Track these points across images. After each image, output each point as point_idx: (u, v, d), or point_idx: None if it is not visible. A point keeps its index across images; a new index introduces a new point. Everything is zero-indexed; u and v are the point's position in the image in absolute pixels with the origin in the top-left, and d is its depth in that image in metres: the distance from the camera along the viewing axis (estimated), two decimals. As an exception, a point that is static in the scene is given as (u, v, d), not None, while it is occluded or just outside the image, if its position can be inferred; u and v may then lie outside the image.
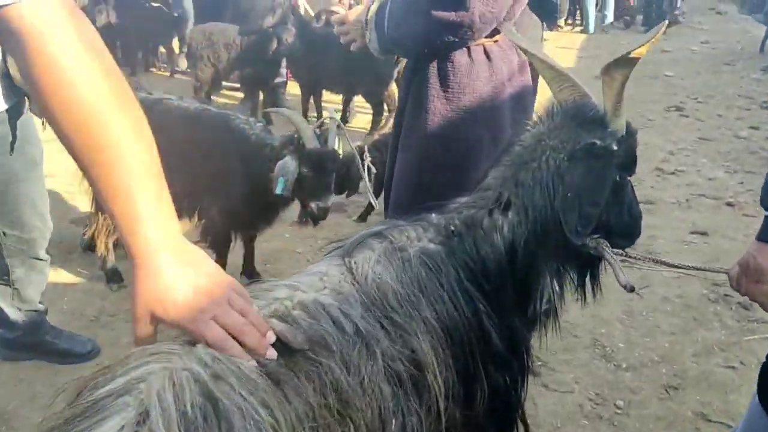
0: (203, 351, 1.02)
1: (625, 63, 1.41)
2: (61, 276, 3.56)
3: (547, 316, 1.61)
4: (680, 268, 1.70)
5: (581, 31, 12.04)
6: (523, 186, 1.50)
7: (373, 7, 2.11)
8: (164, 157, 3.06)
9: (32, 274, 2.67)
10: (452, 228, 1.49)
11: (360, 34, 2.19)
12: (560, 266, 1.58)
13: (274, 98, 6.88)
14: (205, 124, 3.14)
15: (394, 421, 1.23)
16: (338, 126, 3.02)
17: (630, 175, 1.63)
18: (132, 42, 7.90)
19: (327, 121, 3.03)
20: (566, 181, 1.48)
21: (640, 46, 1.38)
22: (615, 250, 1.60)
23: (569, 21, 12.51)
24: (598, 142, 1.50)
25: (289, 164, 2.86)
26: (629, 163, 1.61)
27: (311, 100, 6.38)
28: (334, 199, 3.09)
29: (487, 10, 1.90)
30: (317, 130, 2.94)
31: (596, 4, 11.98)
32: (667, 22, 1.51)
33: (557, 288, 1.60)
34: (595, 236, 1.58)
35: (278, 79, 6.70)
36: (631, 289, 1.53)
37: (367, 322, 1.24)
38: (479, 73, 2.12)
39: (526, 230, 1.50)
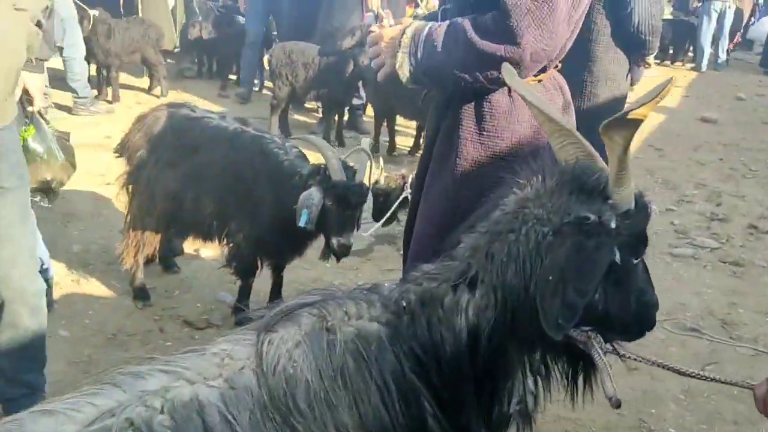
0: None
1: (626, 124, 1.14)
2: (92, 287, 3.57)
3: (521, 417, 1.34)
4: (693, 376, 1.38)
5: (692, 68, 11.29)
6: (495, 261, 1.25)
7: (410, 30, 1.89)
8: (199, 176, 3.01)
9: None
10: (404, 304, 1.25)
11: (391, 56, 1.99)
12: (539, 360, 1.31)
13: (353, 120, 6.81)
14: (240, 145, 3.04)
15: None
16: (370, 157, 2.84)
17: (636, 258, 1.33)
18: (223, 56, 8.10)
19: (361, 152, 2.86)
20: (548, 260, 1.21)
21: (640, 106, 1.11)
22: (609, 347, 1.32)
23: (681, 58, 11.78)
24: (592, 217, 1.22)
25: (313, 196, 2.70)
26: (636, 244, 1.31)
27: (384, 125, 6.24)
28: (374, 230, 2.90)
29: (540, 47, 1.67)
30: (348, 161, 2.78)
31: (711, 42, 11.22)
32: (672, 78, 1.21)
33: (531, 386, 1.32)
34: (586, 329, 1.30)
35: (357, 102, 6.63)
36: (617, 405, 1.24)
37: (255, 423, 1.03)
38: (520, 116, 1.89)
39: (494, 315, 1.24)
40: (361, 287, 1.32)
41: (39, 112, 3.13)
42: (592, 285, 1.21)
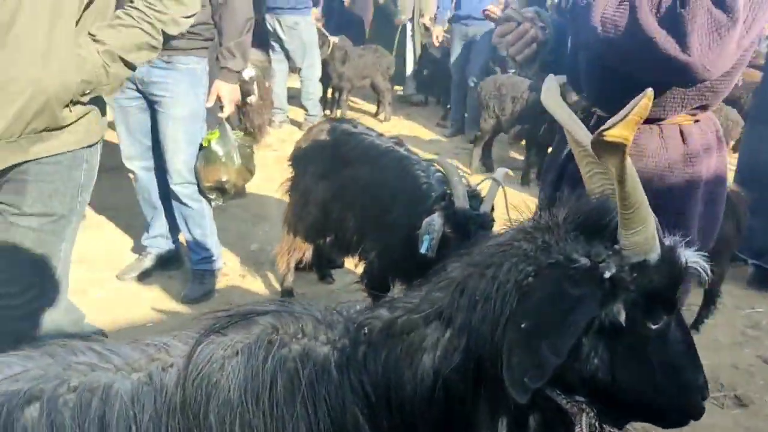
0: None
1: (608, 149, 0.88)
2: (253, 284, 3.82)
3: None
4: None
5: None
6: (466, 297, 1.05)
7: None
8: (345, 189, 3.08)
9: None
10: (365, 331, 1.11)
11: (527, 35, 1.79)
12: (515, 423, 1.07)
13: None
14: (385, 163, 3.04)
15: None
16: (502, 186, 2.64)
17: (655, 323, 1.03)
18: (447, 87, 8.25)
19: (491, 180, 2.67)
20: (523, 305, 0.99)
21: (613, 126, 0.84)
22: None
23: None
24: (582, 261, 0.98)
25: (434, 222, 2.58)
26: (651, 306, 1.02)
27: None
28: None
29: (706, 61, 1.46)
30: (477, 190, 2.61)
31: None
32: (650, 91, 0.90)
33: None
34: (580, 399, 1.04)
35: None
36: None
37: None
38: (671, 163, 1.73)
39: (460, 361, 1.04)
40: (334, 306, 1.19)
41: (245, 119, 3.45)
42: (566, 342, 0.96)
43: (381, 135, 3.30)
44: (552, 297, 0.98)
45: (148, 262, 3.83)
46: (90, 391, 0.97)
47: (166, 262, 3.90)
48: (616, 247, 1.01)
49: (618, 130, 0.87)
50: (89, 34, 1.97)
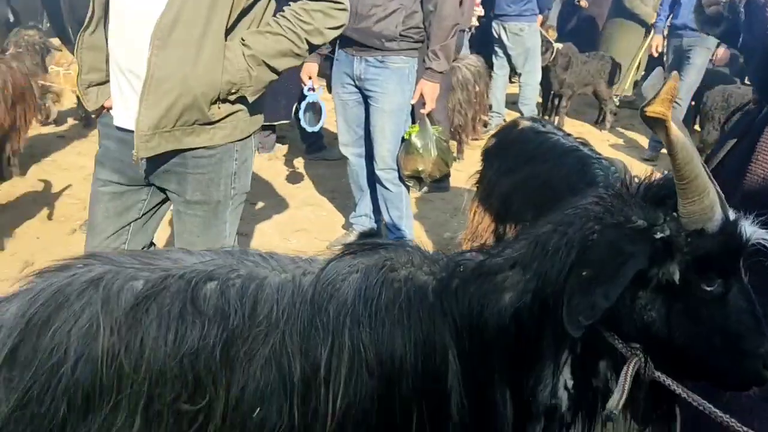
0: None
1: (651, 123, 1.02)
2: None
3: (550, 412, 1.29)
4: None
5: None
6: (542, 248, 1.26)
7: None
8: (525, 184, 3.30)
9: None
10: (460, 269, 1.36)
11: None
12: (578, 358, 1.26)
13: None
14: (565, 161, 3.16)
15: (258, 410, 1.25)
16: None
17: (710, 285, 1.15)
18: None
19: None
20: (586, 256, 1.17)
21: (649, 103, 0.98)
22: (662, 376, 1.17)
23: None
24: (639, 222, 1.14)
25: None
26: (707, 270, 1.13)
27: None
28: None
29: None
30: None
31: None
32: (675, 73, 0.97)
33: (568, 384, 1.26)
34: (636, 345, 1.20)
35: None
36: (607, 419, 1.11)
37: (288, 310, 1.30)
38: None
39: (534, 302, 1.26)
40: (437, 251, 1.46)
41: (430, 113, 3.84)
42: (616, 290, 1.14)
43: (568, 135, 3.42)
44: (609, 251, 1.16)
45: (352, 237, 4.37)
46: (250, 279, 1.35)
47: (367, 239, 4.41)
48: (675, 214, 1.15)
49: (654, 107, 1.03)
50: (241, 38, 2.17)
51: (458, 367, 1.29)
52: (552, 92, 8.17)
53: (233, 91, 2.15)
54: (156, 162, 2.20)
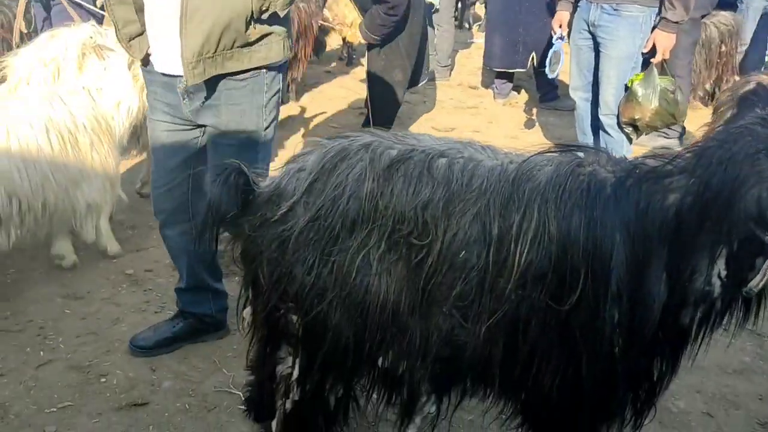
0: None
1: None
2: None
3: (703, 297, 1.56)
4: None
5: None
6: (708, 159, 1.52)
7: None
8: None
9: None
10: (636, 171, 1.67)
11: None
12: (731, 252, 1.51)
13: None
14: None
15: (463, 254, 1.67)
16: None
17: None
18: None
19: None
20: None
21: None
22: None
23: None
24: None
25: None
26: None
27: None
28: None
29: None
30: None
31: None
32: None
33: (722, 273, 1.53)
34: None
35: None
36: (746, 294, 1.37)
37: (494, 185, 1.71)
38: None
39: (695, 203, 1.53)
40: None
41: (663, 64, 3.91)
42: None
43: None
44: None
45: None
46: (470, 160, 1.77)
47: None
48: None
49: None
50: None
51: (624, 248, 1.59)
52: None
53: (264, 8, 2.28)
54: (195, 99, 2.42)
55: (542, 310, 1.65)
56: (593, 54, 4.12)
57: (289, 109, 6.20)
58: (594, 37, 4.04)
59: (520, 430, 1.96)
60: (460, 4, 9.18)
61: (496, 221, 1.68)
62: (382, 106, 5.18)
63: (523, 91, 7.34)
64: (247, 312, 2.06)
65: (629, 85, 3.95)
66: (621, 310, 1.61)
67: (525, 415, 1.91)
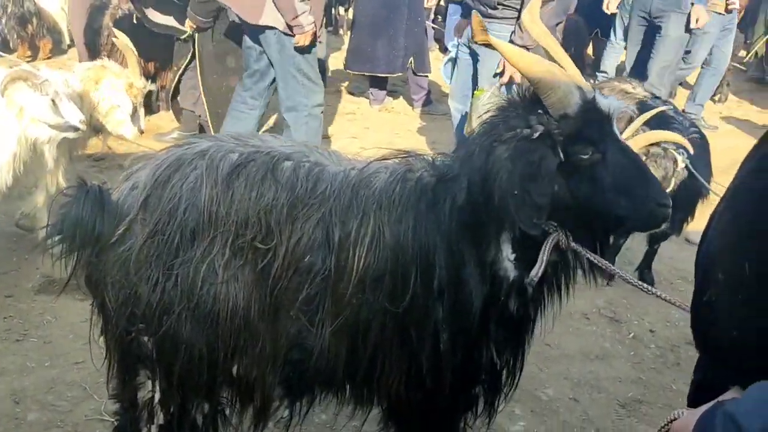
0: None
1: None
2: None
3: (498, 280, 1.68)
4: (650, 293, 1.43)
5: None
6: (469, 155, 1.66)
7: None
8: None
9: None
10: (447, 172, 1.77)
11: None
12: (515, 238, 1.63)
13: None
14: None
15: (308, 258, 1.71)
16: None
17: (585, 154, 1.52)
18: None
19: None
20: (504, 174, 1.54)
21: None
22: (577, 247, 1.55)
23: None
24: (525, 132, 1.53)
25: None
26: (580, 142, 1.52)
27: None
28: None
29: None
30: None
31: None
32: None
33: (509, 256, 1.65)
34: (553, 223, 1.57)
35: None
36: (530, 284, 1.48)
37: (336, 191, 1.75)
38: None
39: (466, 200, 1.67)
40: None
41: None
42: (547, 187, 1.50)
43: (657, 97, 3.75)
44: (522, 165, 1.51)
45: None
46: (316, 165, 1.79)
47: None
48: (540, 111, 1.53)
49: (476, 38, 1.52)
50: None
51: (443, 249, 1.69)
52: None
53: None
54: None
55: (381, 313, 1.71)
56: (472, 69, 4.30)
57: (159, 118, 6.00)
58: (472, 51, 4.25)
59: (383, 430, 2.00)
60: (333, 10, 9.21)
61: (337, 227, 1.72)
62: (215, 94, 5.02)
63: (397, 95, 7.50)
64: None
65: (474, 97, 4.13)
66: (444, 307, 1.69)
67: (384, 415, 1.96)
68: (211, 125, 5.05)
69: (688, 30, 5.74)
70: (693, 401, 1.33)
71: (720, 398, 1.02)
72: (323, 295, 1.71)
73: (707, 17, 5.77)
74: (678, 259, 4.20)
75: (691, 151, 3.22)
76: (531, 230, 1.52)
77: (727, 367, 1.10)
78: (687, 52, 6.22)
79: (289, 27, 3.97)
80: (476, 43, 1.66)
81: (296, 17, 3.89)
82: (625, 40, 6.39)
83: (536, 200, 1.50)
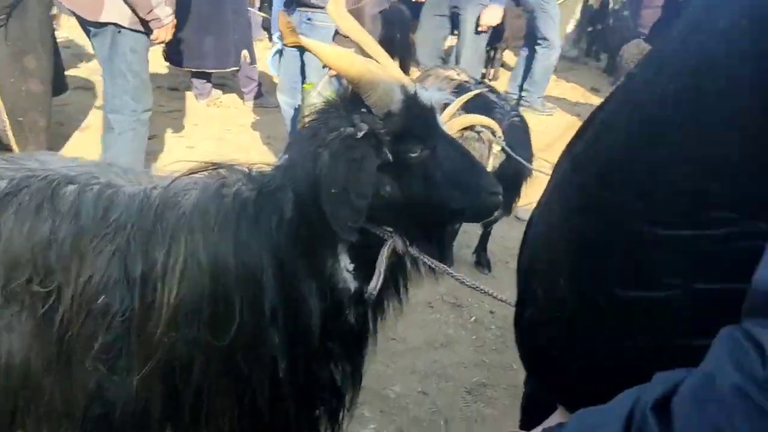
0: None
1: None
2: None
3: (338, 293, 1.56)
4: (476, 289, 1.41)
5: None
6: (293, 163, 1.53)
7: None
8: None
9: None
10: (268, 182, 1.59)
11: None
12: (353, 248, 1.53)
13: None
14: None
15: (102, 299, 1.49)
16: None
17: (414, 152, 1.45)
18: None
19: None
20: (326, 175, 1.41)
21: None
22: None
23: None
24: (348, 130, 1.42)
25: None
26: (407, 139, 1.45)
27: None
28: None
29: None
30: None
31: None
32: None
33: (348, 266, 1.54)
34: (389, 229, 1.49)
35: None
36: (368, 298, 1.39)
37: (135, 216, 1.53)
38: None
39: (295, 210, 1.52)
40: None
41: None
42: (367, 188, 1.39)
43: (481, 82, 3.73)
44: (342, 163, 1.39)
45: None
46: (108, 186, 1.57)
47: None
48: (363, 110, 1.44)
49: (286, 41, 1.40)
50: None
51: (272, 268, 1.52)
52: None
53: None
54: None
55: (203, 348, 1.52)
56: (299, 60, 4.10)
57: None
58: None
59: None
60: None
61: (139, 258, 1.50)
62: (14, 100, 4.32)
63: (226, 89, 7.16)
64: None
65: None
66: (279, 331, 1.54)
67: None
68: (12, 136, 4.43)
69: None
70: (524, 412, 1.31)
71: (544, 424, 0.97)
72: (125, 339, 1.49)
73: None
74: (509, 238, 4.35)
75: (499, 134, 3.29)
76: (346, 235, 1.40)
77: (551, 391, 1.05)
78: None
79: (144, 23, 3.59)
80: (287, 45, 1.50)
81: (152, 10, 3.53)
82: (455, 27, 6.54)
83: (354, 202, 1.38)
